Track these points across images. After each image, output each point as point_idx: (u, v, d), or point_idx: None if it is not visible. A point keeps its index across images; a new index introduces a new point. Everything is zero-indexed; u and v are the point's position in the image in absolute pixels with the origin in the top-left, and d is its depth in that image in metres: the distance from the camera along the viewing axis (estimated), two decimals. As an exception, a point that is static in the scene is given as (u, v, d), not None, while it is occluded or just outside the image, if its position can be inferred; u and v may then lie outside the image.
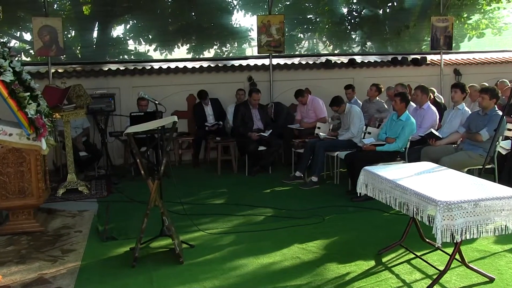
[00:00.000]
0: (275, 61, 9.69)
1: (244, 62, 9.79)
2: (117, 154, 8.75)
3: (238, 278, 4.05)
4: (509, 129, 5.85)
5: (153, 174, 4.55)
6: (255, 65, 9.58)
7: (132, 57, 12.12)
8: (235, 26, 12.98)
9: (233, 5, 12.87)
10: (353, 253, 4.47)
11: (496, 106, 6.05)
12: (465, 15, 13.43)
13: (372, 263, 4.27)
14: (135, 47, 12.52)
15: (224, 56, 12.32)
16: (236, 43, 12.89)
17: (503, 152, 6.00)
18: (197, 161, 8.69)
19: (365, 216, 5.56)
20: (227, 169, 8.13)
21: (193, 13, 12.42)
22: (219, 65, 9.47)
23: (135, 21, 12.45)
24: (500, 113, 5.77)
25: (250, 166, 7.87)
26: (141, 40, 12.47)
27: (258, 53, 9.59)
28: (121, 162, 8.59)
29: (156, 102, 5.29)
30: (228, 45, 12.79)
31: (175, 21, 12.47)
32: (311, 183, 6.95)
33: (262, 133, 7.83)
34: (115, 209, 6.11)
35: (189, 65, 9.37)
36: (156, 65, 9.31)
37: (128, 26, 12.61)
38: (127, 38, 12.62)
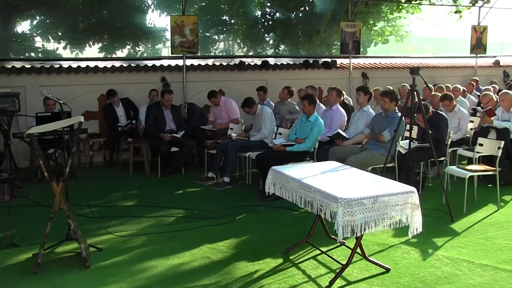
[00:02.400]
0: (188, 62, 9.65)
1: (157, 63, 9.65)
2: (23, 156, 8.29)
3: (146, 280, 4.01)
4: (407, 130, 6.24)
5: (59, 176, 4.38)
6: (169, 65, 9.48)
7: (40, 54, 11.56)
8: (149, 26, 12.80)
9: (147, 5, 12.68)
10: (262, 252, 4.57)
11: (397, 108, 6.45)
12: (371, 22, 14.21)
13: (280, 260, 4.39)
14: (43, 45, 11.95)
15: (138, 56, 12.09)
16: (150, 43, 12.70)
17: (403, 151, 6.39)
18: (110, 163, 8.47)
19: (274, 215, 5.70)
20: (140, 170, 7.99)
21: (105, 11, 12.09)
22: (132, 65, 9.28)
23: (42, 17, 11.88)
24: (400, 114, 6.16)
25: (163, 167, 7.78)
26: (50, 37, 11.93)
27: (171, 53, 9.50)
28: (27, 165, 8.15)
29: (60, 101, 5.09)
30: (141, 45, 12.58)
31: (86, 19, 12.07)
32: (223, 184, 7.00)
33: (174, 134, 7.78)
34: (18, 214, 5.79)
35: (101, 64, 9.10)
36: (65, 64, 8.93)
37: (34, 22, 12.02)
38: (34, 34, 12.02)
